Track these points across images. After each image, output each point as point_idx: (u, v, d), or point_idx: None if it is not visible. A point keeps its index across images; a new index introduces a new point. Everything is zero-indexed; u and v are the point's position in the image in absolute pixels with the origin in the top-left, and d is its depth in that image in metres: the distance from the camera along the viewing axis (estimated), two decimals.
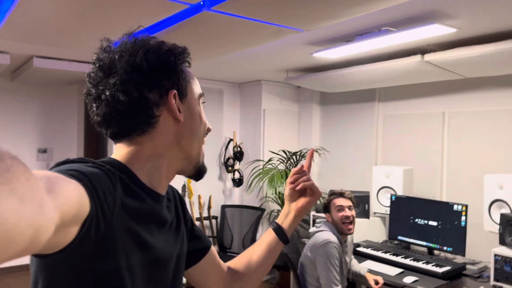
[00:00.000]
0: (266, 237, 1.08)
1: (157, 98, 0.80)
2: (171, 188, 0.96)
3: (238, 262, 1.08)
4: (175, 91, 0.81)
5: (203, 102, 0.90)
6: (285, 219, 1.07)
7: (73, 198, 0.57)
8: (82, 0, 2.10)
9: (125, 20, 2.44)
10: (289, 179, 1.05)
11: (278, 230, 1.06)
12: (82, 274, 0.69)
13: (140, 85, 0.78)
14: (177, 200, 0.96)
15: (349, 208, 2.77)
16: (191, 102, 0.86)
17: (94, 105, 0.80)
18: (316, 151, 4.61)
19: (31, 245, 0.43)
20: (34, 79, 4.58)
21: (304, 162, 1.07)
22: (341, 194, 2.81)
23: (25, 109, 5.04)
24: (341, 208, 2.74)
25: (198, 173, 0.89)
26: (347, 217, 2.73)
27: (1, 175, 0.40)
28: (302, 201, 1.04)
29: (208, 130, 0.91)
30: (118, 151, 0.82)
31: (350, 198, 2.82)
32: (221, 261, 1.08)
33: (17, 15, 2.30)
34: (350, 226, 2.73)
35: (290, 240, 1.08)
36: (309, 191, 1.04)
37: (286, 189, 1.07)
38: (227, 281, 1.06)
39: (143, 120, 0.79)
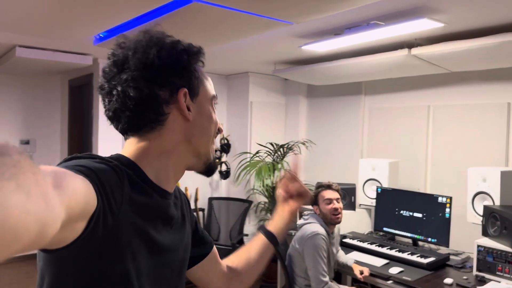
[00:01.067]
0: (258, 238, 1.14)
1: (167, 96, 0.80)
2: (177, 188, 0.96)
3: (236, 259, 1.11)
4: (185, 90, 0.81)
5: (216, 103, 0.91)
6: (275, 222, 1.15)
7: (80, 194, 0.57)
8: None
9: (113, 10, 2.40)
10: (281, 186, 1.16)
11: (266, 233, 1.13)
12: (88, 270, 0.68)
13: (151, 82, 0.78)
14: (182, 200, 0.97)
15: (337, 200, 2.80)
16: (202, 102, 0.86)
17: (106, 99, 0.81)
18: (303, 144, 4.64)
19: (37, 240, 0.43)
20: (16, 69, 4.48)
21: (292, 165, 1.21)
22: (328, 187, 2.84)
23: (7, 99, 4.93)
24: (329, 201, 2.77)
25: (208, 169, 0.90)
26: (336, 209, 2.76)
27: (8, 170, 0.40)
28: (294, 203, 1.16)
29: (219, 130, 0.92)
30: (127, 147, 0.83)
31: (337, 190, 2.85)
32: (218, 257, 1.09)
33: None
34: (339, 216, 2.78)
35: (280, 242, 1.15)
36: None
37: (278, 194, 1.18)
38: (226, 278, 1.08)
39: (152, 117, 0.79)
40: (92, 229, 0.62)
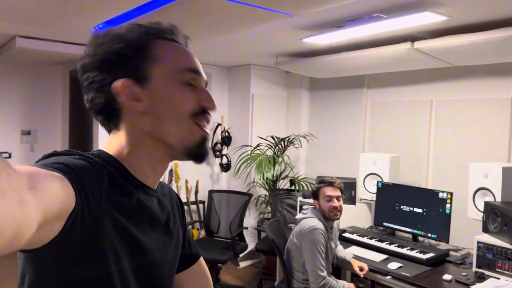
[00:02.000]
0: None
1: (114, 88, 0.76)
2: (170, 190, 0.94)
3: None
4: (123, 80, 0.75)
5: (188, 80, 0.79)
6: None
7: (56, 194, 0.55)
8: None
9: (112, 1, 2.37)
10: None
11: None
12: (68, 271, 0.66)
13: (98, 77, 0.76)
14: (175, 202, 0.94)
15: (338, 198, 2.77)
16: (159, 84, 0.77)
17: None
18: (304, 137, 4.61)
19: (12, 243, 0.43)
20: (17, 59, 4.46)
21: None
22: (330, 183, 2.79)
23: (8, 89, 4.92)
24: (329, 199, 2.75)
25: (192, 156, 0.79)
26: (335, 207, 2.74)
27: None
28: None
29: (208, 109, 0.80)
30: (108, 142, 0.81)
31: (339, 188, 2.81)
32: (207, 274, 1.03)
33: None
34: (337, 213, 2.75)
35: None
36: None
37: None
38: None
39: (108, 111, 0.78)
40: (69, 228, 0.60)
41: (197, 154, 0.79)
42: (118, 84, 0.75)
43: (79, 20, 2.88)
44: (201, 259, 1.03)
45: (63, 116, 5.30)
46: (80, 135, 5.03)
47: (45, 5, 2.51)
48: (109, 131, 0.82)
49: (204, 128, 0.80)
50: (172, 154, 0.80)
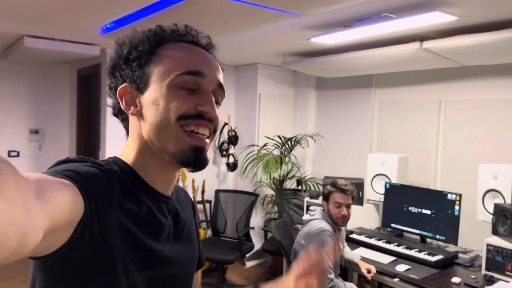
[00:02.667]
0: None
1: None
2: (186, 195, 0.93)
3: None
4: (125, 85, 0.76)
5: (190, 89, 0.75)
6: None
7: (64, 203, 0.55)
8: None
9: (119, 2, 2.37)
10: (304, 270, 0.88)
11: None
12: (77, 280, 0.66)
13: (111, 82, 0.80)
14: (189, 207, 0.93)
15: (348, 206, 2.72)
16: (154, 90, 0.74)
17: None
18: (311, 137, 4.59)
19: (18, 250, 0.42)
20: (25, 59, 4.49)
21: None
22: (342, 191, 2.72)
23: (17, 88, 4.95)
24: (339, 205, 2.71)
25: (183, 164, 0.75)
26: (344, 215, 2.70)
27: None
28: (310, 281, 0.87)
29: (201, 114, 0.74)
30: (123, 149, 0.82)
31: (351, 195, 2.75)
32: (199, 280, 1.01)
33: None
34: (345, 221, 2.72)
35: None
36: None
37: (297, 271, 0.89)
38: None
39: (121, 119, 0.83)
40: (77, 237, 0.59)
41: (189, 162, 0.75)
42: (119, 89, 0.77)
43: (87, 19, 2.89)
44: (199, 271, 1.01)
45: (70, 115, 5.32)
46: (88, 134, 5.05)
47: (53, 5, 2.51)
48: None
49: (198, 136, 0.74)
50: (169, 161, 0.76)
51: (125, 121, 0.82)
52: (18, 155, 4.97)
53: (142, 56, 0.76)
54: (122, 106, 0.77)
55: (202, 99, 0.75)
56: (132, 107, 0.76)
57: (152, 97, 0.74)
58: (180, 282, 0.82)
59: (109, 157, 0.79)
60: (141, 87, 0.75)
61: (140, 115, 0.76)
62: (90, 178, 0.64)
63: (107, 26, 3.09)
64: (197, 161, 0.75)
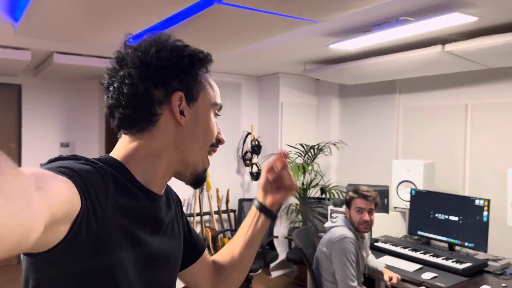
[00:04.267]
0: (241, 235, 1.04)
1: (162, 96, 0.78)
2: (169, 189, 0.95)
3: (222, 258, 1.06)
4: (181, 93, 0.79)
5: (217, 114, 0.87)
6: (256, 220, 1.03)
7: (63, 196, 0.56)
8: None
9: (138, 15, 2.45)
10: (268, 171, 0.98)
11: (262, 208, 1.02)
12: (73, 276, 0.67)
13: (146, 81, 0.77)
14: (175, 201, 0.95)
15: (370, 212, 2.66)
16: (200, 108, 0.83)
17: (105, 95, 0.81)
18: (334, 145, 4.56)
19: (19, 243, 0.42)
20: (55, 75, 4.67)
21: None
22: (364, 196, 2.67)
23: (49, 104, 5.15)
24: (361, 211, 2.67)
25: (195, 181, 0.86)
26: (365, 221, 2.65)
27: None
28: (278, 195, 1.00)
29: (220, 141, 0.87)
30: (117, 148, 0.82)
31: (373, 201, 2.69)
32: (210, 260, 1.06)
33: (33, 12, 2.34)
34: (367, 227, 2.66)
35: (259, 244, 1.05)
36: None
37: (262, 180, 1.00)
38: (215, 281, 1.05)
39: (144, 116, 0.78)
40: (75, 232, 0.61)
41: (201, 180, 0.87)
42: (176, 94, 0.79)
43: (110, 35, 2.99)
44: (205, 252, 1.05)
45: (99, 128, 5.49)
46: None
47: (79, 22, 2.62)
48: (120, 133, 0.82)
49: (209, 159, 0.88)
50: (181, 172, 0.84)
51: (145, 122, 0.78)
52: None
53: (197, 73, 0.82)
54: (175, 111, 0.78)
55: (218, 128, 0.88)
56: (183, 117, 0.80)
57: (201, 116, 0.83)
58: (169, 275, 0.86)
59: (101, 156, 0.79)
60: (191, 102, 0.81)
61: (185, 126, 0.81)
62: (85, 175, 0.65)
63: (130, 40, 3.19)
64: (204, 180, 0.89)
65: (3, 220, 0.38)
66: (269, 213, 1.02)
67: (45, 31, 2.84)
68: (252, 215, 1.03)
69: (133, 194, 0.76)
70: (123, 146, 0.81)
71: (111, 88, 0.79)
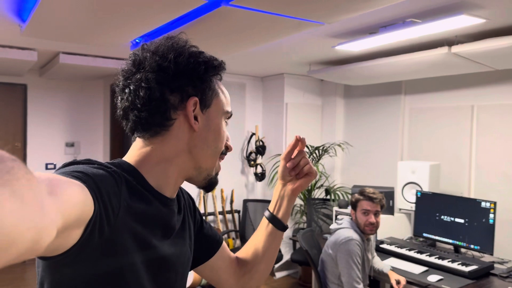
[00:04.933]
0: (264, 226, 1.04)
1: (177, 101, 0.79)
2: (181, 189, 0.95)
3: (245, 253, 1.06)
4: (196, 99, 0.80)
5: (226, 122, 0.89)
6: (279, 206, 1.02)
7: (76, 201, 0.56)
8: None
9: (145, 17, 2.45)
10: (285, 158, 0.98)
11: (273, 219, 1.02)
12: (87, 277, 0.68)
13: (163, 85, 0.78)
14: (186, 200, 0.95)
15: (376, 214, 2.65)
16: (213, 115, 0.84)
17: (119, 97, 0.82)
18: (339, 146, 4.55)
19: (32, 248, 0.42)
20: (61, 75, 4.69)
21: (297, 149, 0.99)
22: (370, 198, 2.66)
23: (54, 103, 5.17)
24: (366, 212, 2.66)
25: (208, 185, 0.88)
26: (371, 223, 2.64)
27: (1, 177, 0.39)
28: (298, 182, 0.99)
29: (228, 149, 0.89)
30: (130, 152, 0.83)
31: (379, 203, 2.68)
32: (231, 254, 1.06)
33: (40, 13, 2.35)
34: (373, 229, 2.66)
35: (287, 226, 1.04)
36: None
37: (280, 168, 1.00)
38: (238, 274, 1.05)
39: (158, 120, 0.79)
40: (88, 236, 0.61)
41: (213, 184, 0.89)
42: (192, 99, 0.80)
43: (117, 36, 3.00)
44: (223, 244, 1.05)
45: (104, 128, 5.50)
46: (121, 147, 5.19)
47: (86, 23, 2.63)
48: (134, 136, 0.83)
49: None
50: (194, 176, 0.86)
51: (159, 126, 0.79)
52: (55, 168, 5.17)
53: (211, 80, 0.84)
54: (189, 117, 0.79)
55: (227, 136, 0.89)
56: (197, 122, 0.81)
57: (213, 123, 0.84)
58: (178, 273, 0.86)
59: (114, 160, 0.80)
60: (204, 108, 0.83)
61: (198, 131, 0.82)
62: (98, 179, 0.65)
63: (136, 41, 3.19)
64: (216, 184, 0.90)
65: (16, 224, 0.38)
66: (280, 225, 1.02)
67: (51, 32, 2.85)
68: (264, 226, 1.04)
69: (146, 198, 0.76)
70: (137, 150, 0.82)
71: (126, 90, 0.79)
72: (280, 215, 1.02)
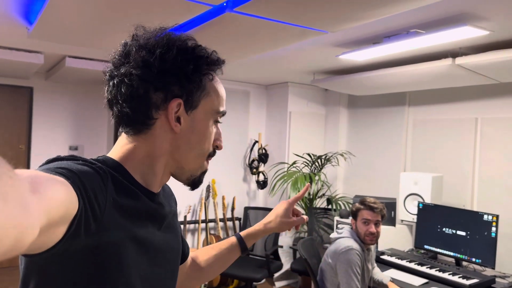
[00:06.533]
0: (230, 241, 1.12)
1: (160, 101, 0.76)
2: (169, 189, 0.95)
3: (203, 255, 1.11)
4: (180, 101, 0.76)
5: (219, 121, 0.86)
6: (255, 233, 1.14)
7: (59, 198, 0.55)
8: (107, 2, 2.14)
9: (150, 22, 2.47)
10: (292, 204, 1.16)
11: (241, 240, 1.13)
12: (74, 276, 0.67)
13: (146, 83, 0.74)
14: (170, 196, 0.95)
15: (376, 223, 2.63)
16: (199, 116, 0.80)
17: (106, 86, 0.80)
18: (342, 155, 4.54)
19: (15, 246, 0.42)
20: (67, 78, 4.72)
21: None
22: (371, 208, 2.64)
23: (59, 107, 5.20)
24: (367, 222, 2.64)
25: (191, 184, 0.86)
26: (372, 233, 2.62)
27: None
28: (285, 225, 1.15)
29: (217, 147, 0.86)
30: (115, 148, 0.81)
31: (380, 213, 2.65)
32: (189, 259, 1.10)
33: (48, 15, 2.37)
34: (373, 239, 2.63)
35: (247, 250, 1.14)
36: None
37: (285, 208, 1.15)
38: (187, 275, 1.08)
39: (140, 118, 0.76)
40: (73, 233, 0.60)
41: (196, 184, 0.87)
42: (173, 101, 0.76)
43: (123, 39, 3.02)
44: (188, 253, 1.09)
45: (108, 132, 5.52)
46: None
47: (93, 27, 2.65)
48: (125, 132, 0.80)
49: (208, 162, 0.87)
50: (178, 175, 0.84)
51: (141, 125, 0.77)
52: None
53: (201, 79, 0.79)
54: (170, 118, 0.76)
55: (218, 134, 0.86)
56: (178, 124, 0.78)
57: (198, 124, 0.81)
58: (169, 268, 0.86)
59: (99, 156, 0.79)
60: (188, 108, 0.79)
61: (180, 133, 0.79)
62: (83, 176, 0.64)
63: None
64: (200, 183, 0.88)
65: (0, 223, 0.38)
66: (244, 246, 1.11)
67: (58, 34, 2.87)
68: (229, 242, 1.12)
69: (133, 193, 0.75)
70: (121, 147, 0.80)
71: (111, 83, 0.77)
72: (247, 239, 1.12)
